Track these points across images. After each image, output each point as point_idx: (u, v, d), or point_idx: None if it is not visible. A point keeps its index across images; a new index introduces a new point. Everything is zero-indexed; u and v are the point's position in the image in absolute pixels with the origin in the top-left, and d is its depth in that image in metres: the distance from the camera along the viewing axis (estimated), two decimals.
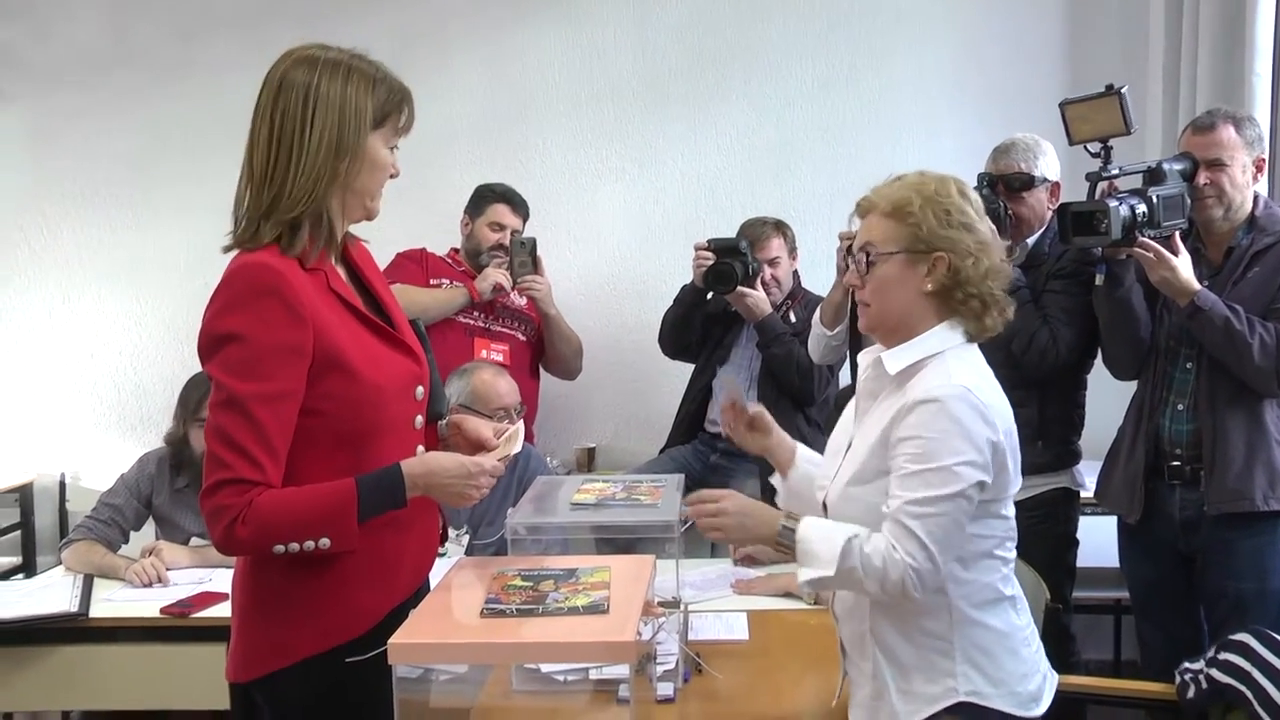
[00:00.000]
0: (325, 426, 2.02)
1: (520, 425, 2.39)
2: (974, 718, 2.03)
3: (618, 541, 2.47)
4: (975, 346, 2.16)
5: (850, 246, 2.29)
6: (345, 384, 2.02)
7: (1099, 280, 3.27)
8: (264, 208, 2.04)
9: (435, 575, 2.29)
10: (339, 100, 2.03)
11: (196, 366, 3.45)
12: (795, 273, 4.22)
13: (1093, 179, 3.23)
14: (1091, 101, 3.25)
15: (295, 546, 1.94)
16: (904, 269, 2.10)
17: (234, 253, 2.06)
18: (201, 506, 1.96)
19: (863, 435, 2.16)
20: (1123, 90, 3.18)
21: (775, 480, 2.41)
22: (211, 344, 1.98)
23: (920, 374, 2.08)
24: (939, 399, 2.01)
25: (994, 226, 3.25)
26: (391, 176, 2.13)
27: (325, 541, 1.95)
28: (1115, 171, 3.22)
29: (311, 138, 2.02)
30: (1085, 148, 3.29)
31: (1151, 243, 3.07)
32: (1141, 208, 3.07)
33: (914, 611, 2.08)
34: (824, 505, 2.21)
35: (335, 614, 2.05)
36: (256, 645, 2.09)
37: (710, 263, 3.94)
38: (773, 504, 2.31)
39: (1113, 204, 3.06)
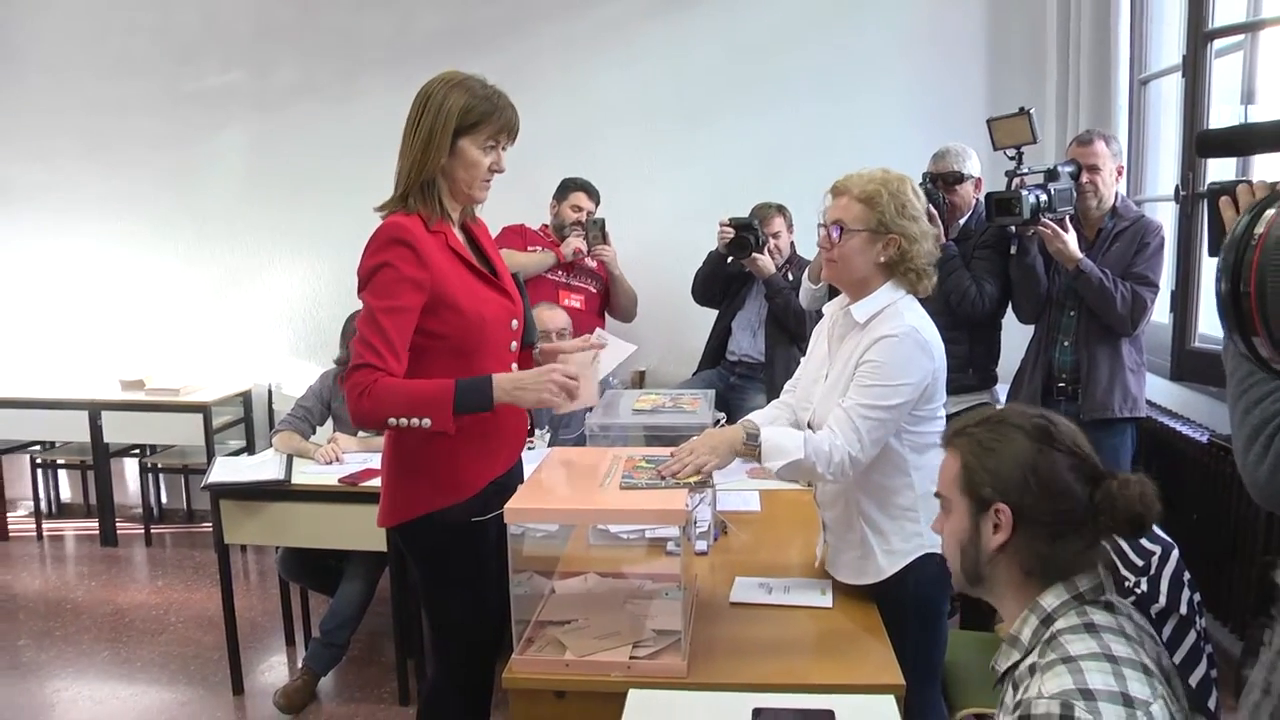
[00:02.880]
0: (443, 345, 1.99)
1: (599, 356, 2.31)
2: (936, 563, 1.96)
3: (666, 438, 2.39)
4: (914, 298, 2.09)
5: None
6: (455, 314, 1.99)
7: (1013, 250, 3.28)
8: (396, 183, 2.04)
9: (526, 466, 2.24)
10: (437, 105, 1.97)
11: (358, 308, 3.50)
12: (792, 243, 4.12)
13: (1010, 175, 3.23)
14: (1009, 119, 3.23)
15: (404, 421, 1.89)
16: (866, 243, 2.03)
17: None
18: (342, 385, 1.94)
19: (836, 368, 2.09)
20: (1031, 111, 3.17)
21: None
22: (365, 275, 1.96)
23: (879, 317, 2.03)
24: (895, 335, 1.97)
25: (934, 213, 3.23)
26: (494, 172, 2.05)
27: (426, 421, 1.89)
28: (1025, 170, 3.22)
29: (417, 132, 1.99)
30: (1004, 152, 3.28)
31: (1050, 223, 3.07)
32: (1044, 197, 3.08)
33: (889, 492, 2.05)
34: (809, 424, 2.13)
35: (451, 481, 2.04)
36: (396, 501, 2.09)
37: (731, 235, 3.87)
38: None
39: (1024, 194, 3.07)
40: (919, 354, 1.97)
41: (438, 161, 1.98)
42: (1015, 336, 3.50)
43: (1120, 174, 3.23)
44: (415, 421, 1.89)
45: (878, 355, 1.96)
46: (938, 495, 1.47)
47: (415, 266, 1.94)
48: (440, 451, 2.02)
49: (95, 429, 4.87)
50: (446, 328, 1.99)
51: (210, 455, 4.61)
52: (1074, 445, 1.35)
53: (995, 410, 1.44)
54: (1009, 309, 3.42)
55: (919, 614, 2.05)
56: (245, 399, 5.15)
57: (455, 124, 1.97)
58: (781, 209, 4.08)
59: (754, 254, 3.85)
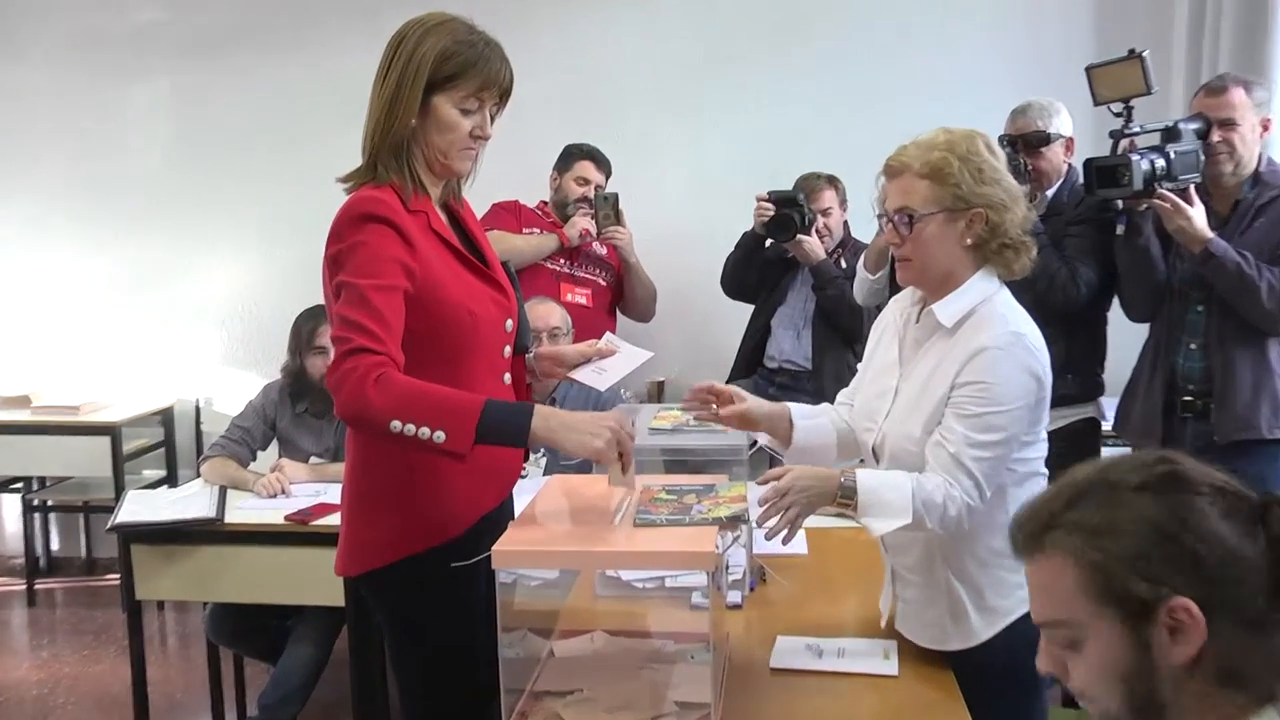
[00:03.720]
0: (426, 344, 2.00)
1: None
2: None
3: (689, 463, 2.42)
4: (1006, 289, 2.10)
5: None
6: (442, 311, 2.01)
7: (1120, 230, 3.24)
8: (363, 148, 2.06)
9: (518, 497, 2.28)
10: (409, 51, 2.00)
11: (312, 304, 3.53)
12: (846, 223, 4.17)
13: (1115, 136, 3.18)
14: (1115, 65, 3.20)
15: (412, 429, 1.83)
16: (944, 227, 2.03)
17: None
18: (328, 381, 1.90)
19: (914, 382, 2.09)
20: (1144, 54, 3.13)
21: (777, 447, 2.30)
22: (338, 257, 1.96)
23: (971, 321, 2.03)
24: (1001, 347, 1.97)
25: (1019, 169, 3.24)
26: (477, 139, 2.07)
27: (440, 435, 1.84)
28: (1136, 129, 3.17)
29: (384, 84, 2.02)
30: (1109, 107, 3.24)
31: (1169, 194, 3.03)
32: (1160, 162, 3.04)
33: (981, 533, 2.04)
34: (872, 449, 2.15)
35: (432, 518, 2.05)
36: (361, 543, 2.10)
37: (771, 213, 3.90)
38: None
39: (1134, 158, 3.03)
40: (1031, 366, 1.99)
41: (406, 121, 2.01)
42: (1126, 337, 3.50)
43: (1266, 130, 3.19)
44: (426, 432, 1.84)
45: (982, 374, 1.96)
46: (1045, 626, 1.27)
47: (400, 247, 1.96)
48: (417, 480, 2.03)
49: None
50: (430, 327, 2.00)
51: (120, 489, 4.65)
52: (1213, 482, 1.22)
53: (1082, 476, 1.26)
54: (1114, 301, 3.42)
55: (1011, 686, 2.05)
56: (166, 418, 5.20)
57: (428, 75, 1.99)
58: (833, 180, 4.12)
59: (799, 235, 3.89)
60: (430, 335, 2.01)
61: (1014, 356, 1.97)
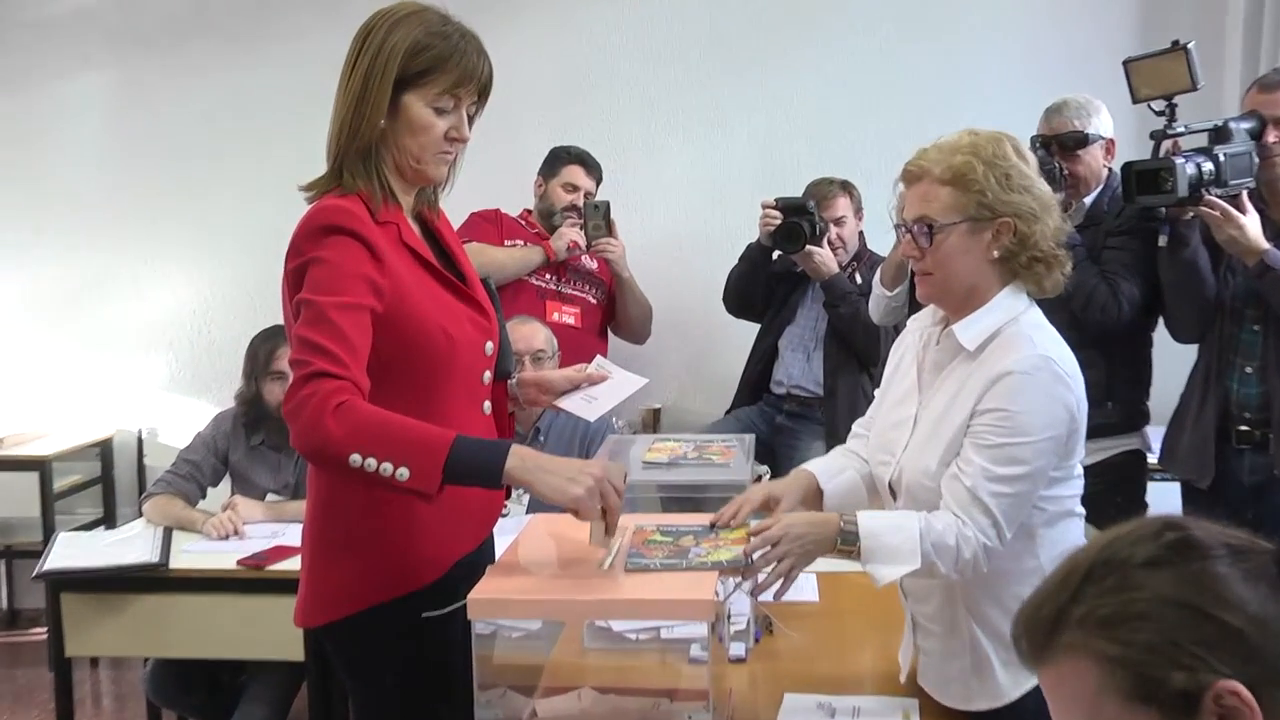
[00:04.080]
0: (396, 370, 2.00)
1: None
2: None
3: (690, 500, 2.43)
4: (1036, 307, 2.10)
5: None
6: (414, 328, 2.01)
7: (1162, 241, 3.21)
8: (328, 152, 2.07)
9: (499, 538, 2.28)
10: (376, 45, 2.01)
11: (271, 324, 3.53)
12: (860, 233, 4.19)
13: (1157, 137, 3.16)
14: (1156, 58, 3.18)
15: (373, 463, 1.82)
16: (967, 238, 2.03)
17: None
18: (285, 408, 1.88)
19: (934, 411, 2.10)
20: (1189, 46, 3.10)
21: None
22: (296, 273, 1.96)
23: (996, 343, 2.03)
24: (1027, 371, 1.97)
25: (1054, 174, 3.24)
26: (454, 141, 2.08)
27: (404, 472, 1.82)
28: (1180, 129, 3.15)
29: (350, 82, 2.03)
30: (1149, 106, 3.22)
31: (1219, 201, 3.00)
32: (1208, 166, 3.01)
33: (1008, 579, 2.03)
34: (890, 485, 2.16)
35: (403, 562, 2.05)
36: (324, 591, 2.10)
37: (778, 222, 3.92)
38: None
39: (1179, 162, 3.00)
40: (1060, 394, 1.99)
41: (375, 122, 2.01)
42: (1173, 360, 3.50)
43: None
44: (389, 469, 1.83)
45: (1004, 401, 1.96)
46: None
47: (367, 262, 1.96)
48: (386, 521, 2.03)
49: None
50: (401, 350, 2.01)
51: (49, 530, 4.63)
52: (1228, 542, 1.18)
53: (1081, 561, 1.21)
54: (1159, 321, 3.43)
55: None
56: (103, 451, 5.20)
57: (398, 70, 2.00)
58: (846, 186, 4.14)
59: (809, 247, 3.91)
60: (401, 360, 2.01)
61: (1040, 383, 1.97)
